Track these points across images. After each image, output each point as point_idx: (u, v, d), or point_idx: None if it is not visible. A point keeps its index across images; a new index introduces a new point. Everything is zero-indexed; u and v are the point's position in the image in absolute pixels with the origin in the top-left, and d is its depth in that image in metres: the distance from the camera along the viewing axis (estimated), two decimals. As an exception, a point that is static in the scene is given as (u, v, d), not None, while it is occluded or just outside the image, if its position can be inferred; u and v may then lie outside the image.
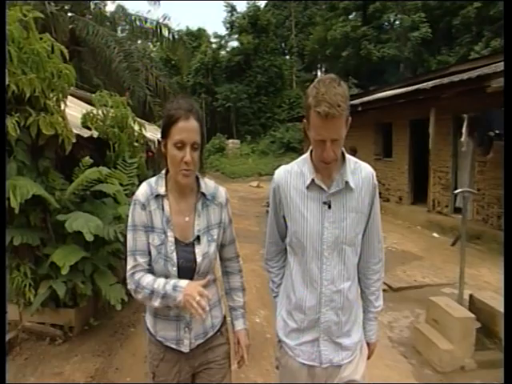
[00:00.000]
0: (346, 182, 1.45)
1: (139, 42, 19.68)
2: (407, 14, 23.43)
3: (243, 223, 8.75)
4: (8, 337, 3.43)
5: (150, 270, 1.50)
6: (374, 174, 1.54)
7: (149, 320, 1.59)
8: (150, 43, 24.97)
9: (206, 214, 1.52)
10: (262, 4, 41.83)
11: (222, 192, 1.58)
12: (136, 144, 4.89)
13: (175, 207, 1.49)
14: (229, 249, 1.65)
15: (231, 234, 1.64)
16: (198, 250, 1.48)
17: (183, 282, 1.41)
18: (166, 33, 16.44)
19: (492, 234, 7.11)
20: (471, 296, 3.43)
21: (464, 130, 7.31)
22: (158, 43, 18.08)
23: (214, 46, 30.57)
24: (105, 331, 3.70)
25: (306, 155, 1.53)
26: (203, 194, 1.52)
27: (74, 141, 3.56)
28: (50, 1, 13.27)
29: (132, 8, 46.27)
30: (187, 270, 1.47)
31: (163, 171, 1.52)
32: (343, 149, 1.47)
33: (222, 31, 36.69)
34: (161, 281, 1.44)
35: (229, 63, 27.64)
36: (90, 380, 3.01)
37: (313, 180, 1.46)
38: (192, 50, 27.30)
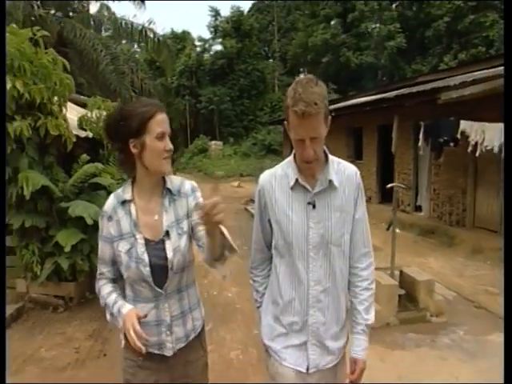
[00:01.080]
0: (330, 181, 1.46)
1: (124, 41, 19.96)
2: (384, 24, 24.51)
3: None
4: (16, 306, 4.04)
5: (114, 280, 1.56)
6: (358, 172, 1.55)
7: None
8: (135, 44, 25.50)
9: (173, 209, 1.52)
10: (246, 7, 42.75)
11: (186, 184, 1.57)
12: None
13: (143, 208, 1.50)
14: (200, 228, 1.53)
15: None
16: (169, 246, 1.47)
17: (126, 309, 1.41)
18: (151, 35, 17.01)
19: (444, 229, 7.96)
20: (401, 271, 4.20)
21: (421, 136, 8.13)
22: (143, 45, 18.49)
23: (198, 49, 31.11)
24: (99, 302, 4.34)
25: (290, 158, 1.54)
26: (169, 190, 1.53)
27: (74, 140, 4.20)
28: (38, 0, 13.74)
29: (118, 12, 46.27)
30: (160, 269, 1.46)
31: (129, 180, 1.53)
32: (326, 149, 1.49)
33: (206, 35, 37.19)
34: (112, 298, 1.49)
35: (212, 66, 28.28)
36: (89, 338, 3.65)
37: (297, 180, 1.47)
38: (176, 53, 27.84)
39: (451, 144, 7.16)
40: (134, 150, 1.42)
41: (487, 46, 18.83)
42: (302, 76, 1.42)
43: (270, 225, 1.55)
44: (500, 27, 18.14)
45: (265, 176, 1.57)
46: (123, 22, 17.06)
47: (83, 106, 5.99)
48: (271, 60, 35.70)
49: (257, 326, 1.76)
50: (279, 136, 22.94)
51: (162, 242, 1.47)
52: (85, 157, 4.43)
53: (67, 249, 3.73)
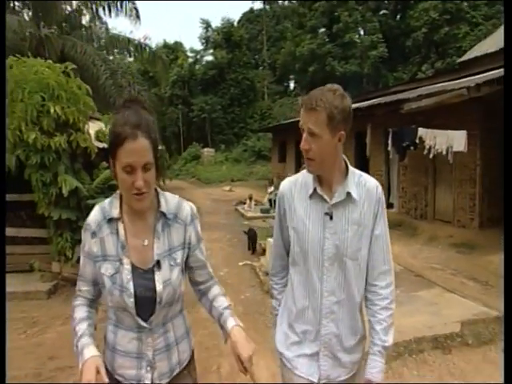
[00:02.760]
0: (348, 193, 1.44)
1: (116, 50, 20.84)
2: (367, 34, 25.87)
3: (215, 218, 10.51)
4: (52, 283, 5.09)
5: (92, 301, 1.43)
6: (380, 187, 1.51)
7: (107, 355, 1.41)
8: (127, 55, 26.58)
9: (167, 236, 1.36)
10: (236, 17, 44.02)
11: (186, 208, 1.40)
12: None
13: (131, 230, 1.34)
14: (200, 272, 1.48)
15: (202, 255, 1.46)
16: (158, 277, 1.32)
17: (87, 353, 1.25)
18: (146, 49, 18.16)
19: (409, 222, 9.10)
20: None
21: (389, 141, 9.28)
22: (137, 55, 19.37)
23: (190, 60, 32.26)
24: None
25: None
26: (163, 214, 1.36)
27: (96, 151, 5.28)
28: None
29: (115, 26, 47.39)
30: (146, 301, 1.31)
31: (118, 191, 1.36)
32: (347, 161, 1.49)
33: (198, 46, 38.36)
34: (82, 328, 1.34)
35: (204, 76, 29.48)
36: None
37: (315, 190, 1.47)
38: (169, 63, 29.01)
39: (412, 148, 8.33)
40: (111, 168, 1.29)
41: (460, 56, 20.22)
42: (329, 84, 1.46)
43: (288, 231, 1.55)
44: (471, 38, 19.53)
45: (285, 183, 1.58)
46: (120, 38, 18.25)
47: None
48: (261, 68, 36.96)
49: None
50: (268, 142, 24.10)
51: (152, 271, 1.32)
52: (103, 164, 5.50)
53: (95, 235, 4.80)
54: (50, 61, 5.31)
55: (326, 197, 1.46)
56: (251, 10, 41.36)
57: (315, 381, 1.51)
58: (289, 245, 1.57)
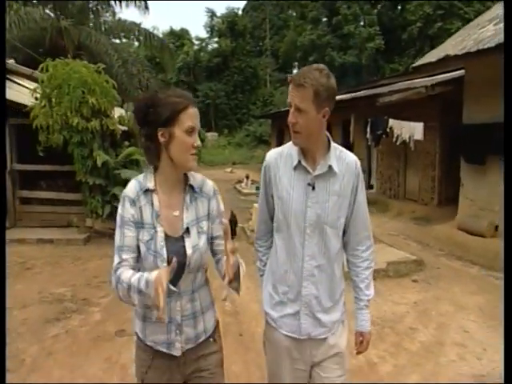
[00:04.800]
0: (330, 166, 1.54)
1: (122, 34, 21.71)
2: (365, 27, 26.89)
3: (216, 194, 11.94)
4: (86, 235, 6.57)
5: (135, 267, 1.44)
6: (358, 162, 1.63)
7: (137, 325, 1.53)
8: (134, 40, 27.69)
9: (194, 207, 1.50)
10: (241, 5, 44.68)
11: (209, 184, 1.56)
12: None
13: (164, 202, 1.46)
14: (220, 242, 1.53)
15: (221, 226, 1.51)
16: (188, 243, 1.45)
17: (153, 274, 1.28)
18: (155, 39, 19.36)
19: (383, 201, 10.51)
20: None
21: (368, 129, 10.63)
22: (146, 43, 20.21)
23: (195, 47, 33.33)
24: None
25: None
26: (191, 187, 1.50)
27: (120, 132, 6.70)
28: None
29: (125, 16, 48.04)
30: (178, 265, 1.36)
31: (151, 167, 1.48)
32: (330, 137, 1.60)
33: (203, 34, 39.28)
34: (136, 276, 1.34)
35: (209, 63, 30.66)
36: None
37: (299, 162, 1.56)
38: (175, 50, 30.15)
39: (384, 136, 9.68)
40: (161, 139, 1.40)
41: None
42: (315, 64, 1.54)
43: (273, 199, 1.64)
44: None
45: (271, 154, 1.66)
46: (127, 22, 19.41)
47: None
48: (264, 56, 37.97)
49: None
50: (269, 128, 25.41)
51: (182, 238, 1.45)
52: (126, 143, 6.93)
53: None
54: (69, 50, 6.64)
55: (309, 168, 1.56)
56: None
57: (296, 337, 1.62)
58: (273, 211, 1.67)
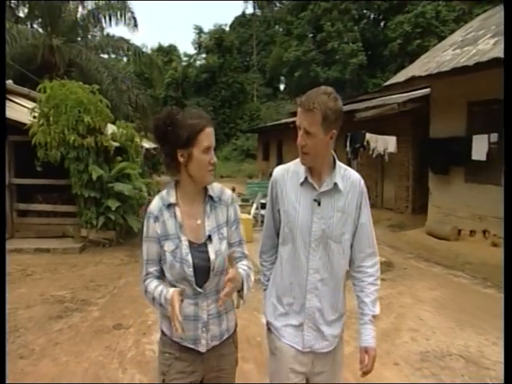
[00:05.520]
0: (335, 184, 1.62)
1: (110, 49, 22.06)
2: (348, 43, 27.90)
3: (204, 206, 12.42)
4: (81, 244, 7.00)
5: (160, 277, 1.64)
6: (362, 181, 1.70)
7: (164, 323, 1.65)
8: (123, 56, 28.28)
9: (214, 215, 1.62)
10: (228, 21, 45.70)
11: (227, 193, 1.68)
12: (139, 149, 8.52)
13: (187, 212, 1.60)
14: (236, 249, 1.68)
15: (238, 233, 1.68)
16: (211, 249, 1.57)
17: (169, 294, 1.49)
18: (144, 56, 19.93)
19: (362, 210, 11.09)
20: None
21: (347, 143, 11.26)
22: (135, 59, 20.65)
23: (183, 63, 34.06)
24: (128, 244, 7.32)
25: None
26: (211, 197, 1.62)
27: (113, 149, 7.19)
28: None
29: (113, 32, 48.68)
30: (203, 270, 1.55)
31: (172, 183, 1.64)
32: (335, 156, 1.67)
33: (191, 50, 40.06)
34: (159, 290, 1.55)
35: (197, 79, 31.35)
36: (125, 257, 6.62)
37: (306, 178, 1.63)
38: (164, 65, 30.81)
39: (362, 149, 10.30)
40: (181, 159, 1.52)
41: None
42: (323, 86, 1.61)
43: (279, 214, 1.72)
44: (438, 51, 21.66)
45: (278, 170, 1.75)
46: (115, 38, 19.96)
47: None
48: (252, 71, 38.81)
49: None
50: (256, 142, 26.08)
51: (205, 245, 1.58)
52: (118, 158, 7.42)
53: (113, 208, 6.71)
54: (60, 67, 7.10)
55: (315, 185, 1.62)
56: (243, 14, 43.11)
57: (299, 348, 1.66)
58: (279, 226, 1.74)
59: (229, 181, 21.66)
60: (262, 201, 10.10)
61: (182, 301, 1.48)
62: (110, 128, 7.86)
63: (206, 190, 1.63)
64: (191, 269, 1.54)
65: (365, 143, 10.17)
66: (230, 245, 1.65)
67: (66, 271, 5.85)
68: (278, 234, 1.77)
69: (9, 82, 8.47)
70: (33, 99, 8.12)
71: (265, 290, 1.86)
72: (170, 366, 1.62)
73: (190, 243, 1.57)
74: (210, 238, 1.59)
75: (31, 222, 7.49)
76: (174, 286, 1.56)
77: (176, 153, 1.52)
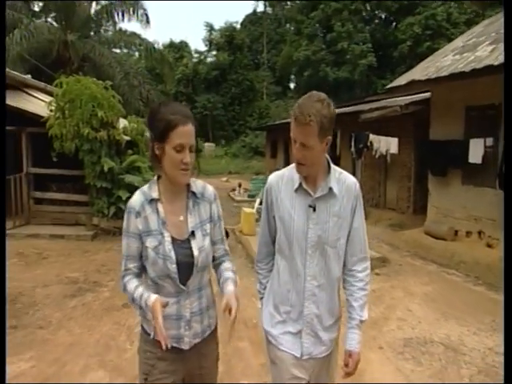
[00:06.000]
0: (330, 189, 1.60)
1: (121, 44, 22.35)
2: (357, 44, 28.03)
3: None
4: (93, 232, 7.36)
5: (140, 275, 1.61)
6: (358, 184, 1.69)
7: (145, 322, 1.63)
8: (135, 51, 28.71)
9: (197, 211, 1.61)
10: (240, 18, 45.95)
11: (209, 189, 1.67)
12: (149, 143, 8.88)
13: (169, 208, 1.57)
14: (219, 246, 1.71)
15: (220, 231, 1.71)
16: (194, 245, 1.56)
17: (150, 300, 1.46)
18: (156, 51, 20.28)
19: (365, 210, 11.20)
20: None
21: (352, 143, 11.52)
22: (147, 55, 20.99)
23: (194, 60, 34.42)
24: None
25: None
26: (193, 193, 1.61)
27: (124, 142, 7.54)
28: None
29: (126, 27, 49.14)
30: (186, 266, 1.54)
31: (155, 177, 1.61)
32: (329, 160, 1.66)
33: (202, 47, 40.38)
34: (139, 291, 1.52)
35: (207, 76, 31.70)
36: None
37: (300, 184, 1.62)
38: (175, 61, 31.22)
39: (365, 150, 10.57)
40: (157, 152, 1.50)
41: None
42: (314, 91, 1.56)
43: (275, 221, 1.71)
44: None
45: (273, 177, 1.73)
46: (127, 33, 20.34)
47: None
48: (261, 69, 39.06)
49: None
50: (265, 140, 26.36)
51: (188, 241, 1.56)
52: (129, 151, 7.77)
53: (124, 198, 7.05)
54: (74, 62, 7.44)
55: (310, 191, 1.61)
56: (254, 12, 43.32)
57: (298, 356, 1.67)
58: (274, 233, 1.73)
59: (237, 177, 22.02)
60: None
61: (164, 307, 1.47)
62: (122, 122, 8.21)
63: (188, 186, 1.61)
64: (174, 265, 1.52)
65: (368, 144, 10.46)
66: (213, 242, 1.66)
67: (79, 256, 6.21)
68: (273, 241, 1.77)
69: (27, 76, 8.85)
70: (49, 93, 8.50)
71: (261, 298, 1.86)
72: (153, 366, 1.61)
73: (173, 239, 1.55)
74: (193, 234, 1.58)
75: (46, 209, 7.87)
76: (157, 284, 1.56)
77: (154, 146, 1.51)
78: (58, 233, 7.18)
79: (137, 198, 1.57)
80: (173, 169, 1.50)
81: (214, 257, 1.70)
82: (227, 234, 7.38)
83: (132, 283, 1.57)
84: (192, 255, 1.55)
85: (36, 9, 20.13)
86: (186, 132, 1.47)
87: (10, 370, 3.06)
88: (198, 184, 1.65)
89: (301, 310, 1.66)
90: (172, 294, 1.55)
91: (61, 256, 6.15)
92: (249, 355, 3.48)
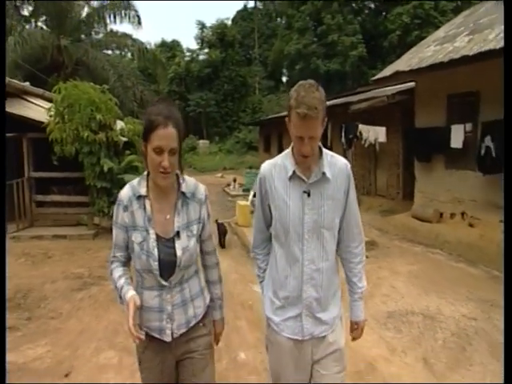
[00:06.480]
0: (323, 173, 1.63)
1: (113, 45, 22.47)
2: (348, 35, 28.25)
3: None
4: (95, 231, 7.68)
5: (126, 264, 1.69)
6: (349, 165, 1.73)
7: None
8: (127, 52, 28.86)
9: (185, 212, 1.62)
10: (231, 14, 46.02)
11: (201, 189, 1.67)
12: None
13: (156, 206, 1.59)
14: (208, 243, 1.75)
15: (209, 229, 1.74)
16: (178, 245, 1.58)
17: (129, 293, 1.52)
18: (148, 53, 20.51)
19: (357, 198, 11.65)
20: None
21: (343, 134, 11.82)
22: (140, 56, 21.17)
23: (186, 58, 34.57)
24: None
25: (288, 150, 1.71)
26: (183, 193, 1.61)
27: (122, 143, 7.84)
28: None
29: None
30: (168, 264, 1.57)
31: (145, 173, 1.62)
32: (320, 144, 1.67)
33: (194, 46, 40.50)
34: (121, 282, 1.59)
35: (200, 73, 31.85)
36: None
37: (294, 172, 1.64)
38: (167, 60, 31.37)
39: (355, 140, 10.88)
40: (143, 150, 1.54)
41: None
42: (303, 81, 1.56)
43: (269, 209, 1.74)
44: (436, 42, 22.05)
45: (266, 166, 1.75)
46: (119, 34, 20.53)
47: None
48: (253, 64, 39.21)
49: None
50: (258, 135, 26.63)
51: (173, 240, 1.59)
52: (127, 152, 8.07)
53: (123, 198, 7.38)
54: (68, 66, 7.68)
55: (304, 177, 1.63)
56: (245, 8, 43.44)
57: (300, 338, 1.70)
58: (269, 220, 1.76)
59: (232, 173, 22.29)
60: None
61: (138, 309, 1.52)
62: (119, 124, 8.50)
63: (179, 185, 1.62)
64: (156, 262, 1.56)
65: (358, 134, 10.77)
66: (202, 241, 1.73)
67: (82, 254, 6.54)
68: (267, 228, 1.82)
69: (26, 83, 9.13)
70: (47, 99, 8.78)
71: (261, 282, 1.90)
72: (143, 353, 1.69)
73: (158, 237, 1.58)
74: (178, 234, 1.59)
75: (48, 211, 8.18)
76: (141, 276, 1.62)
77: (142, 144, 1.54)
78: (60, 233, 7.49)
79: (126, 192, 1.63)
80: (152, 170, 1.52)
81: (204, 251, 1.78)
82: (226, 231, 7.52)
83: (117, 272, 1.65)
84: (175, 254, 1.58)
85: (26, 13, 20.26)
86: (165, 135, 1.47)
87: (29, 354, 3.41)
88: (189, 183, 1.66)
89: (299, 294, 1.69)
90: (154, 288, 1.60)
91: (65, 254, 6.47)
92: (245, 331, 3.82)
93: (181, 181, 1.63)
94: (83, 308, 4.40)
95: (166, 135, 1.47)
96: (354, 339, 1.89)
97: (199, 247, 1.73)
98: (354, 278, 1.80)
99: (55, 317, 4.15)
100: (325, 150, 1.70)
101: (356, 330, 1.85)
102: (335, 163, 1.69)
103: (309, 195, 1.64)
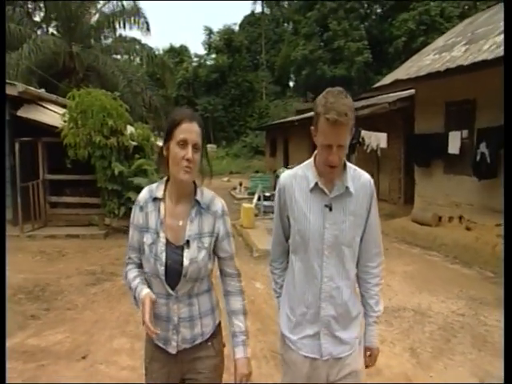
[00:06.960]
0: (347, 187, 1.55)
1: (122, 50, 22.87)
2: (353, 41, 28.57)
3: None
4: (105, 231, 8.03)
5: (141, 265, 1.63)
6: (372, 181, 1.66)
7: None
8: (136, 57, 29.38)
9: (198, 221, 1.57)
10: (238, 19, 46.54)
11: (218, 203, 1.62)
12: (154, 148, 9.52)
13: (171, 211, 1.58)
14: (227, 263, 1.66)
15: (229, 247, 1.65)
16: (187, 254, 1.54)
17: (143, 294, 1.51)
18: (157, 58, 20.99)
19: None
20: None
21: (346, 139, 12.10)
22: (148, 61, 21.63)
23: (194, 63, 35.11)
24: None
25: (310, 160, 1.64)
26: (197, 202, 1.58)
27: (132, 147, 8.20)
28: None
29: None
30: (174, 272, 1.53)
31: (164, 178, 1.62)
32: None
33: (201, 51, 41.05)
34: (136, 283, 1.58)
35: (207, 79, 32.36)
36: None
37: (316, 184, 1.56)
38: (175, 65, 31.91)
39: (357, 145, 11.15)
40: (165, 153, 1.53)
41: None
42: (330, 88, 1.50)
43: (288, 220, 1.66)
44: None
45: (286, 176, 1.67)
46: (127, 39, 21.04)
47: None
48: (260, 69, 39.65)
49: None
50: (265, 139, 26.98)
51: (182, 248, 1.54)
52: (137, 156, 8.42)
53: (133, 199, 7.71)
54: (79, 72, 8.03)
55: (326, 190, 1.56)
56: (252, 13, 43.90)
57: (318, 357, 1.62)
58: (288, 232, 1.69)
59: (238, 177, 22.67)
60: (267, 194, 11.10)
61: (154, 303, 1.51)
62: (129, 129, 8.87)
63: (195, 193, 1.60)
64: (163, 268, 1.53)
65: (360, 139, 11.05)
66: (220, 258, 1.65)
67: (95, 252, 6.88)
68: (287, 241, 1.74)
69: (41, 90, 9.54)
70: (61, 105, 9.18)
71: (277, 297, 1.82)
72: (150, 362, 1.66)
73: (168, 242, 1.55)
74: (188, 243, 1.55)
75: (61, 212, 8.56)
76: (150, 281, 1.58)
77: (163, 148, 1.55)
78: (73, 233, 7.85)
79: (143, 194, 1.62)
80: (175, 165, 1.49)
81: (224, 272, 1.68)
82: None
83: (132, 273, 1.62)
84: (182, 263, 1.53)
85: (37, 19, 20.79)
86: (189, 128, 1.49)
87: (49, 339, 3.74)
88: (206, 194, 1.62)
89: (317, 311, 1.61)
90: (162, 295, 1.56)
91: (78, 253, 6.82)
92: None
93: (197, 190, 1.60)
94: (97, 301, 4.73)
95: (191, 129, 1.49)
96: (366, 366, 1.77)
97: (220, 268, 1.67)
98: (370, 301, 1.70)
99: (71, 308, 4.48)
100: (348, 163, 1.64)
101: (369, 357, 1.74)
102: (359, 177, 1.62)
103: (330, 209, 1.56)
